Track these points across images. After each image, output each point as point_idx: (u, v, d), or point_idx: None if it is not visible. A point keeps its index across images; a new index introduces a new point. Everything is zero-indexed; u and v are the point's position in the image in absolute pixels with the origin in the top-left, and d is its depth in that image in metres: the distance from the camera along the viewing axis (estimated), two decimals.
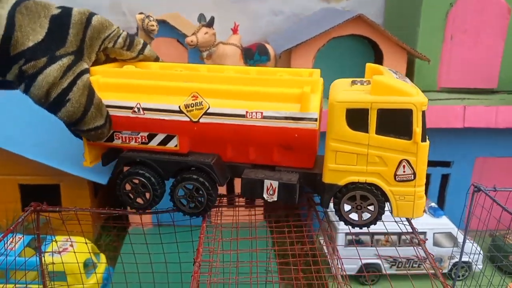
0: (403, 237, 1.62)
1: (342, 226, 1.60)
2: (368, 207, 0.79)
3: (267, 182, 0.80)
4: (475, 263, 1.65)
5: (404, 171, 0.74)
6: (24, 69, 0.68)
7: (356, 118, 0.74)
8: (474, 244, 1.60)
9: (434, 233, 1.68)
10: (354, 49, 1.88)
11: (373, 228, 0.97)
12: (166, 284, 1.15)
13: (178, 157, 0.84)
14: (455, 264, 1.69)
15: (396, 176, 0.75)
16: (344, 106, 0.75)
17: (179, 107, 0.79)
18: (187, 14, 2.20)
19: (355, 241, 1.64)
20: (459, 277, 1.67)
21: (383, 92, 0.73)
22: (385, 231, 1.37)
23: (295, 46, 1.79)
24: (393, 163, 0.74)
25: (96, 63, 0.84)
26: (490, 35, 1.96)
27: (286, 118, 0.77)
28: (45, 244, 1.27)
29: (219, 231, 0.93)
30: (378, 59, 1.87)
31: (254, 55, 1.79)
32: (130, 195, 0.89)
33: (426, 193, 2.10)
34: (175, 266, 1.10)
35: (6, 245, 0.80)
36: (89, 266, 1.47)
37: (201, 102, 0.79)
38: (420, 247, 0.91)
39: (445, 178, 1.97)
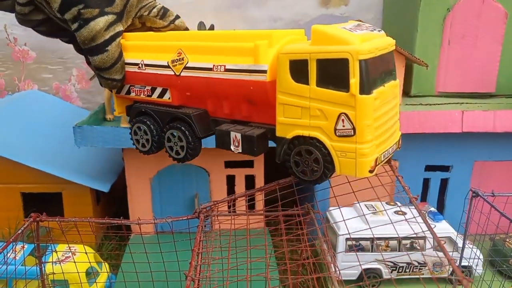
0: (403, 242, 1.63)
1: (342, 232, 1.61)
2: (314, 162, 0.77)
3: (232, 134, 0.83)
4: (475, 267, 1.65)
5: (343, 126, 0.70)
6: (82, 12, 0.83)
7: (298, 69, 0.73)
8: (473, 248, 1.61)
9: (433, 238, 1.68)
10: None
11: (371, 233, 0.98)
12: None
13: (171, 109, 0.93)
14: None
15: (336, 131, 0.71)
16: (287, 58, 0.73)
17: (167, 62, 0.88)
18: (186, 21, 2.22)
19: (355, 247, 1.64)
20: (459, 281, 1.67)
21: (322, 42, 0.70)
22: (385, 236, 1.38)
23: None
24: (333, 116, 0.71)
25: (132, 28, 0.95)
26: (487, 39, 1.97)
27: (242, 70, 0.78)
28: (47, 253, 1.28)
29: (218, 240, 0.94)
30: None
31: None
32: (137, 139, 1.00)
33: (425, 197, 2.11)
34: (175, 274, 1.11)
35: (6, 256, 0.81)
36: (91, 275, 1.48)
37: (183, 57, 0.86)
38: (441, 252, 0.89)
39: (444, 182, 1.97)
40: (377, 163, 0.73)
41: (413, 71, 1.98)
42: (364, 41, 0.69)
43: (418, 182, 1.96)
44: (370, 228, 1.38)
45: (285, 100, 0.76)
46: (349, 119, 0.70)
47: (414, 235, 1.48)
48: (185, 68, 0.86)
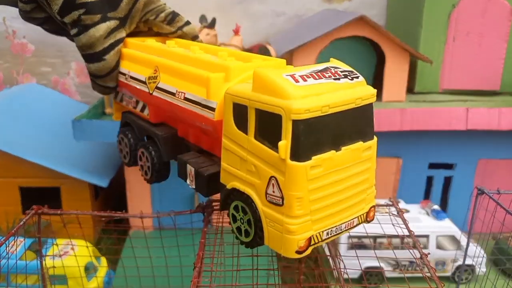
0: (405, 240, 1.61)
1: None
2: (248, 224, 0.65)
3: (188, 167, 0.75)
4: (479, 266, 1.63)
5: (273, 191, 0.59)
6: (83, 18, 0.79)
7: (240, 115, 0.63)
8: (477, 247, 1.59)
9: (437, 236, 1.67)
10: (356, 51, 1.87)
11: (374, 232, 0.96)
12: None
13: (148, 125, 0.87)
14: (458, 267, 1.68)
15: (267, 195, 0.60)
16: (231, 99, 0.63)
17: (145, 78, 0.82)
18: (187, 15, 2.19)
19: (357, 245, 1.63)
20: (462, 280, 1.66)
21: (261, 89, 0.59)
22: (386, 234, 1.36)
23: (297, 47, 1.79)
24: (265, 177, 0.60)
25: (136, 32, 0.91)
26: (492, 36, 1.95)
27: (196, 103, 0.70)
28: (46, 248, 1.26)
29: (220, 235, 0.92)
30: (381, 60, 1.87)
31: None
32: (120, 149, 0.95)
33: (428, 195, 2.10)
34: (176, 270, 1.09)
35: (8, 248, 0.79)
36: (90, 270, 1.46)
37: (157, 76, 0.80)
38: (416, 250, 0.88)
39: (447, 180, 1.95)
40: (313, 243, 0.60)
41: (417, 68, 1.96)
42: (310, 95, 0.57)
43: (421, 180, 1.94)
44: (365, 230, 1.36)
45: (227, 146, 0.66)
46: (278, 185, 0.58)
47: (419, 234, 1.47)
48: (156, 88, 0.79)
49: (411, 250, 0.92)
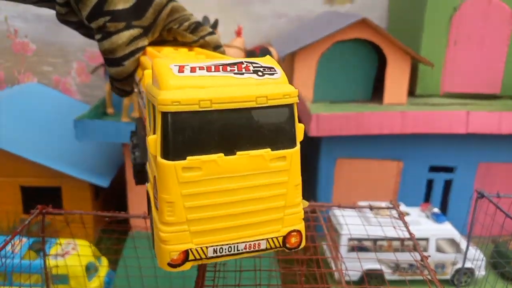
0: (405, 242, 1.61)
1: (344, 232, 1.59)
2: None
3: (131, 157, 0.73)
4: (478, 269, 1.64)
5: (155, 193, 0.53)
6: (108, 25, 0.81)
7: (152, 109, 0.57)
8: (477, 250, 1.59)
9: (436, 239, 1.67)
10: (358, 53, 1.88)
11: (375, 234, 0.96)
12: None
13: (141, 127, 0.86)
14: (457, 270, 1.69)
15: (154, 198, 0.54)
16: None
17: (138, 79, 0.81)
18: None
19: (357, 247, 1.63)
20: (461, 283, 1.66)
21: (153, 80, 0.55)
22: (387, 236, 1.37)
23: (299, 49, 1.79)
24: (151, 177, 0.55)
25: (161, 40, 0.92)
26: (493, 40, 1.96)
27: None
28: (47, 247, 1.26)
29: None
30: (382, 63, 1.87)
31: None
32: (133, 152, 0.95)
33: (428, 198, 2.11)
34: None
35: (12, 247, 0.80)
36: (91, 270, 1.46)
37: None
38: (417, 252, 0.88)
39: (448, 183, 1.96)
40: (192, 258, 0.51)
41: (418, 71, 1.97)
42: (190, 87, 0.50)
43: (422, 183, 1.94)
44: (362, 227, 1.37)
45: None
46: (156, 187, 0.52)
47: (418, 236, 1.47)
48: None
49: (411, 253, 0.92)
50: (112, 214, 0.94)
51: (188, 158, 0.50)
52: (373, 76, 1.94)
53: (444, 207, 1.99)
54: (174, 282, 1.13)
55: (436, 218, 1.72)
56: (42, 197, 1.81)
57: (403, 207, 1.80)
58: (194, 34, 0.91)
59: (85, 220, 1.02)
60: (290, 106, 0.54)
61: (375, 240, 1.64)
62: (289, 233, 0.56)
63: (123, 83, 0.89)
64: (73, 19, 0.88)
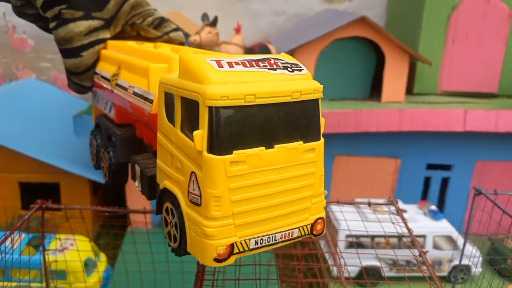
0: (403, 239, 1.62)
1: (343, 227, 1.60)
2: (175, 228, 0.58)
3: (137, 167, 0.69)
4: (475, 266, 1.65)
5: (193, 189, 0.52)
6: (64, 12, 0.79)
7: (169, 105, 0.56)
8: (473, 247, 1.61)
9: (433, 236, 1.68)
10: (356, 51, 1.88)
11: (373, 230, 0.97)
12: (167, 283, 1.15)
13: (111, 125, 0.83)
14: (454, 267, 1.70)
15: (189, 194, 0.53)
16: (163, 89, 0.57)
17: (110, 76, 0.79)
18: (187, 12, 2.20)
19: (355, 244, 1.64)
20: (458, 280, 1.67)
21: (185, 74, 0.53)
22: (384, 234, 1.38)
23: (298, 47, 1.79)
24: (187, 174, 0.53)
25: (124, 36, 0.90)
26: (491, 39, 1.97)
27: (140, 96, 0.66)
28: (46, 243, 1.26)
29: None
30: (380, 61, 1.88)
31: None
32: (91, 151, 0.93)
33: (425, 196, 2.12)
34: (177, 265, 1.10)
35: (12, 242, 0.80)
36: (89, 265, 1.46)
37: (118, 73, 0.77)
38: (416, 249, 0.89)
39: (445, 181, 1.97)
40: (236, 251, 0.53)
41: (416, 69, 1.98)
42: (234, 82, 0.51)
43: (419, 181, 1.95)
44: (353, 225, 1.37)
45: (160, 141, 0.59)
46: (197, 182, 0.52)
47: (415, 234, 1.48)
48: (116, 84, 0.75)
49: (409, 249, 0.93)
50: (112, 209, 0.94)
51: (235, 152, 0.50)
52: (371, 74, 1.95)
53: (441, 205, 2.00)
54: (173, 277, 1.14)
55: (433, 215, 1.73)
56: (40, 193, 1.81)
57: (400, 205, 1.81)
58: (158, 30, 0.90)
59: (84, 215, 1.02)
60: (317, 101, 0.56)
61: (372, 237, 1.65)
62: (316, 220, 0.59)
63: (82, 77, 0.85)
64: (30, 11, 0.87)
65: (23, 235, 1.35)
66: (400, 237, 1.20)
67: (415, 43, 1.98)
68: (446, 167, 1.95)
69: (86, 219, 1.78)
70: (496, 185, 1.65)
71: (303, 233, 0.58)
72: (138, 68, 0.69)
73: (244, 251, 0.53)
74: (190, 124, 0.53)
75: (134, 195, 1.92)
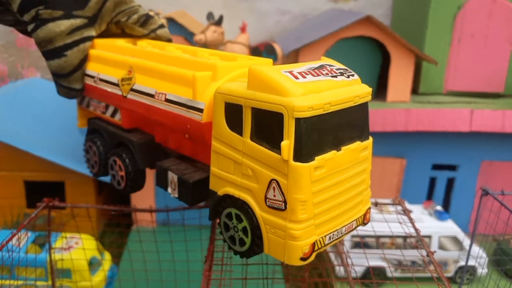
0: (408, 240, 1.62)
1: None
2: (243, 232, 0.61)
3: (170, 174, 0.70)
4: (481, 266, 1.64)
5: (274, 195, 0.56)
6: (41, 12, 0.76)
7: (233, 115, 0.59)
8: (480, 248, 1.60)
9: (439, 237, 1.67)
10: (361, 51, 1.88)
11: (380, 230, 0.96)
12: (173, 282, 1.15)
13: (120, 131, 0.82)
14: (460, 268, 1.69)
15: (267, 200, 0.57)
16: (223, 99, 0.60)
17: (118, 80, 0.77)
18: (192, 12, 2.20)
19: (361, 244, 1.63)
20: (464, 281, 1.66)
21: (258, 86, 0.56)
22: (390, 233, 1.37)
23: (303, 46, 1.79)
24: (264, 181, 0.56)
25: (109, 34, 0.87)
26: (497, 39, 1.95)
27: (181, 104, 0.66)
28: (52, 241, 1.27)
29: None
30: (386, 61, 1.87)
31: (261, 54, 1.79)
32: (88, 158, 0.91)
33: (431, 196, 2.10)
34: (183, 264, 1.10)
35: (19, 240, 0.80)
36: (94, 264, 1.46)
37: (131, 77, 0.75)
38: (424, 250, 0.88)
39: (450, 181, 1.96)
40: (316, 248, 0.57)
41: (422, 69, 1.97)
42: (311, 92, 0.54)
43: (424, 181, 1.95)
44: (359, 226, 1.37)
45: (219, 149, 0.61)
46: (280, 189, 0.55)
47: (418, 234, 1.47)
48: (132, 90, 0.75)
49: (416, 249, 0.92)
50: (118, 208, 0.94)
51: (316, 158, 0.54)
52: (376, 73, 1.94)
53: (446, 205, 1.99)
54: (179, 276, 1.14)
55: (439, 215, 1.72)
56: (45, 192, 1.81)
57: (406, 205, 1.80)
58: (144, 28, 0.88)
59: (86, 215, 1.02)
60: (367, 103, 0.62)
61: (378, 237, 1.64)
62: (366, 210, 0.66)
63: (70, 79, 0.81)
64: (8, 17, 0.83)
65: (29, 233, 1.36)
66: (407, 237, 1.20)
67: (420, 43, 1.98)
68: (452, 167, 1.94)
69: (91, 217, 1.78)
70: (502, 185, 1.64)
71: (358, 224, 0.65)
72: (174, 76, 0.69)
73: (321, 247, 0.58)
74: (265, 134, 0.56)
75: (139, 194, 1.93)
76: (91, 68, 0.83)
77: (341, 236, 0.61)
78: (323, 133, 0.55)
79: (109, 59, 0.81)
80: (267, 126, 0.56)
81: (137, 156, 0.78)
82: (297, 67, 0.58)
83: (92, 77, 0.82)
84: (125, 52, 0.81)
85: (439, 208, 1.77)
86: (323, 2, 2.35)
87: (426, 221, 1.70)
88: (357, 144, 0.60)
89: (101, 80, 0.80)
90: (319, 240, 0.57)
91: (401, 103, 1.86)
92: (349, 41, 1.83)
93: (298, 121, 0.52)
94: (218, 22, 1.71)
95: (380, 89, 1.95)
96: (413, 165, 1.90)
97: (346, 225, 0.62)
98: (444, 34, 1.95)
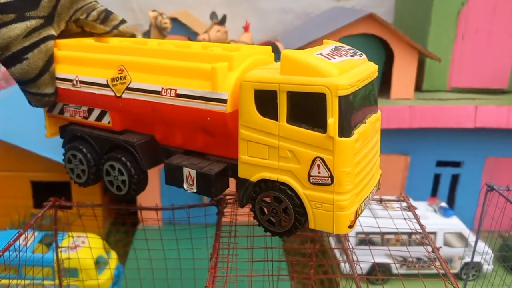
0: (413, 236, 1.62)
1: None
2: (284, 213, 0.65)
3: (185, 170, 0.70)
4: (488, 263, 1.64)
5: (319, 172, 0.59)
6: None
7: (265, 101, 0.61)
8: (485, 244, 1.59)
9: (444, 233, 1.67)
10: (364, 48, 1.85)
11: (384, 227, 0.97)
12: (179, 280, 1.16)
13: (111, 135, 0.80)
14: (465, 264, 1.69)
15: (310, 178, 0.60)
16: (252, 87, 0.62)
17: (107, 80, 0.75)
18: (195, 12, 2.21)
19: (366, 241, 1.63)
20: (469, 277, 1.66)
21: (293, 71, 0.59)
22: (396, 230, 1.38)
23: (306, 44, 1.79)
24: (307, 160, 0.60)
25: (68, 34, 0.83)
26: (501, 35, 1.95)
27: (197, 97, 0.67)
28: (58, 241, 1.28)
29: (234, 228, 0.93)
30: (389, 58, 1.87)
31: None
32: (71, 168, 0.86)
33: (435, 193, 2.10)
34: (188, 262, 1.10)
35: (26, 240, 0.80)
36: (100, 263, 1.48)
37: (125, 76, 0.73)
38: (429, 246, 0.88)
39: (455, 178, 1.96)
40: (357, 215, 0.62)
41: (425, 65, 1.96)
42: (344, 71, 0.59)
43: (429, 178, 1.94)
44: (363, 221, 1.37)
45: (249, 136, 0.64)
46: (325, 165, 0.59)
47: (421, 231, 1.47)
48: (128, 89, 0.73)
49: (421, 246, 0.92)
50: (124, 206, 0.95)
51: (354, 132, 0.60)
52: (380, 71, 1.94)
53: (451, 202, 1.99)
54: (185, 274, 1.14)
55: (444, 212, 1.72)
56: (52, 192, 1.82)
57: (410, 201, 1.80)
58: (106, 25, 0.84)
59: (92, 214, 1.03)
60: (376, 79, 0.68)
61: (383, 233, 1.64)
62: (380, 176, 0.74)
63: (38, 83, 0.77)
64: None
65: (36, 233, 1.37)
66: (412, 233, 1.20)
67: (424, 40, 1.97)
68: (456, 164, 1.94)
69: (97, 216, 1.80)
70: (507, 181, 1.63)
71: (376, 189, 0.72)
72: (186, 70, 0.68)
73: (359, 215, 0.63)
74: (303, 115, 0.59)
75: (144, 194, 1.93)
76: (63, 71, 0.79)
77: (368, 202, 0.68)
78: (355, 109, 0.60)
79: (89, 60, 0.78)
80: (305, 108, 0.59)
81: (140, 158, 0.76)
82: (321, 50, 0.62)
83: (69, 80, 0.79)
84: (106, 50, 0.79)
85: (443, 204, 1.77)
86: (325, 1, 2.36)
87: (431, 218, 1.70)
88: (374, 117, 0.66)
89: (83, 82, 0.77)
90: (359, 207, 0.63)
91: (404, 100, 1.86)
92: (352, 39, 1.83)
93: (341, 99, 0.57)
94: (222, 22, 1.71)
95: (383, 87, 1.95)
96: (418, 162, 1.90)
97: (371, 191, 0.68)
98: (448, 30, 1.95)
